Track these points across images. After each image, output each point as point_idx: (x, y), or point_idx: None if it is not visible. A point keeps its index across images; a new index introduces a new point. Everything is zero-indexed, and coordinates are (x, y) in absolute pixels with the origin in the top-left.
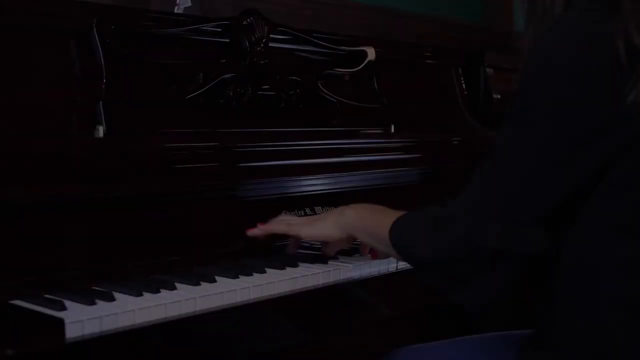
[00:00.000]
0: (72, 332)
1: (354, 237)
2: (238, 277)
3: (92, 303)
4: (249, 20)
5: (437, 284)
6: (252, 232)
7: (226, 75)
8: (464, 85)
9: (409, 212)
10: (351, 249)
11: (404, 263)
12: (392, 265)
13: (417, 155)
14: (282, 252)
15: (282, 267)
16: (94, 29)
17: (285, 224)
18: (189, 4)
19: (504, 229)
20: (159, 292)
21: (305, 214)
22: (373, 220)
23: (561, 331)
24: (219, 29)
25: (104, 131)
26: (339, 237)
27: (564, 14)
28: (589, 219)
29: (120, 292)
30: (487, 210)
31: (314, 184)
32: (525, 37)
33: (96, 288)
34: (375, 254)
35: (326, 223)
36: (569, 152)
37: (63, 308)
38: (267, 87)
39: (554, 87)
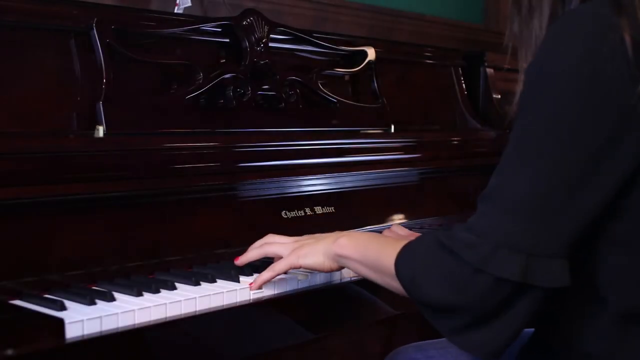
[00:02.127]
0: (72, 332)
1: (346, 268)
2: (238, 277)
3: (92, 303)
4: (249, 20)
5: (447, 327)
6: (240, 261)
7: (226, 75)
8: (464, 85)
9: (415, 239)
10: None
11: None
12: None
13: (417, 155)
14: None
15: None
16: (94, 29)
17: (268, 250)
18: (189, 4)
19: (527, 259)
20: (159, 292)
21: (305, 214)
22: (373, 250)
23: (560, 335)
24: (219, 29)
25: (104, 131)
26: (328, 268)
27: (569, 8)
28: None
29: (120, 292)
30: (503, 235)
31: (314, 184)
32: (510, 34)
33: (96, 288)
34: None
35: (317, 253)
36: (588, 168)
37: (63, 308)
38: (267, 87)
39: (562, 96)
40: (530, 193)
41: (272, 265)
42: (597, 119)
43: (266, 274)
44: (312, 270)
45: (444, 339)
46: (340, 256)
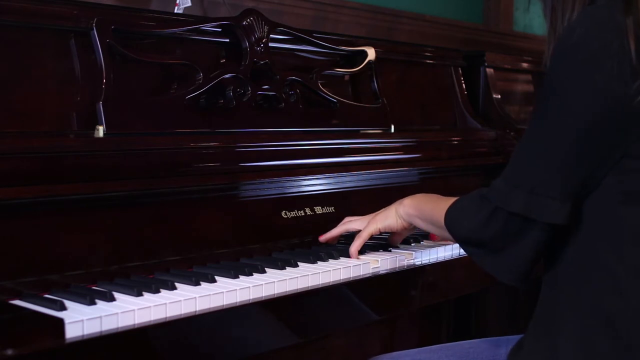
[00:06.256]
0: (72, 332)
1: (414, 225)
2: (238, 277)
3: (92, 303)
4: (249, 20)
5: (477, 256)
6: (324, 237)
7: (226, 75)
8: (464, 85)
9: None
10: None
11: (391, 266)
12: (385, 268)
13: (417, 155)
14: (282, 252)
15: (282, 267)
16: (94, 29)
17: (349, 226)
18: (189, 4)
19: (527, 195)
20: (159, 292)
21: (305, 214)
22: (429, 207)
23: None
24: (219, 29)
25: (103, 131)
26: (401, 226)
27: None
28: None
29: (120, 292)
30: (515, 179)
31: (314, 184)
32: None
33: (96, 288)
34: (434, 236)
35: (391, 215)
36: (600, 132)
37: (63, 308)
38: (267, 87)
39: (571, 67)
40: (540, 149)
41: (358, 234)
42: (599, 110)
43: (356, 242)
44: (390, 231)
45: (421, 348)
46: (406, 214)
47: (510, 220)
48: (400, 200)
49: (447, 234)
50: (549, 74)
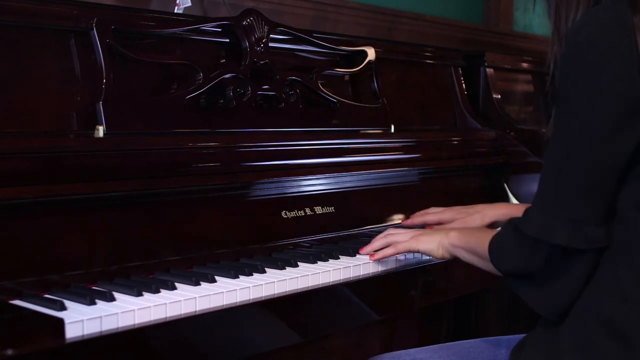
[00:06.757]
0: (72, 332)
1: (455, 257)
2: (238, 277)
3: (92, 303)
4: (249, 20)
5: (521, 292)
6: (365, 250)
7: (226, 75)
8: (464, 85)
9: (503, 226)
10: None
11: (391, 266)
12: (382, 268)
13: (417, 155)
14: (282, 252)
15: (282, 267)
16: (94, 29)
17: (391, 239)
18: (189, 4)
19: (568, 225)
20: (159, 292)
21: (305, 214)
22: (474, 239)
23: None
24: (219, 29)
25: (103, 131)
26: (441, 256)
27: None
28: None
29: (120, 292)
30: (549, 209)
31: (314, 184)
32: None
33: (96, 288)
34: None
35: (432, 241)
36: (610, 133)
37: (63, 308)
38: (267, 87)
39: (579, 69)
40: (569, 172)
41: (395, 244)
42: (607, 111)
43: (390, 250)
44: (427, 255)
45: (421, 348)
46: (452, 245)
47: (554, 253)
48: (447, 230)
49: (491, 266)
50: (560, 80)
